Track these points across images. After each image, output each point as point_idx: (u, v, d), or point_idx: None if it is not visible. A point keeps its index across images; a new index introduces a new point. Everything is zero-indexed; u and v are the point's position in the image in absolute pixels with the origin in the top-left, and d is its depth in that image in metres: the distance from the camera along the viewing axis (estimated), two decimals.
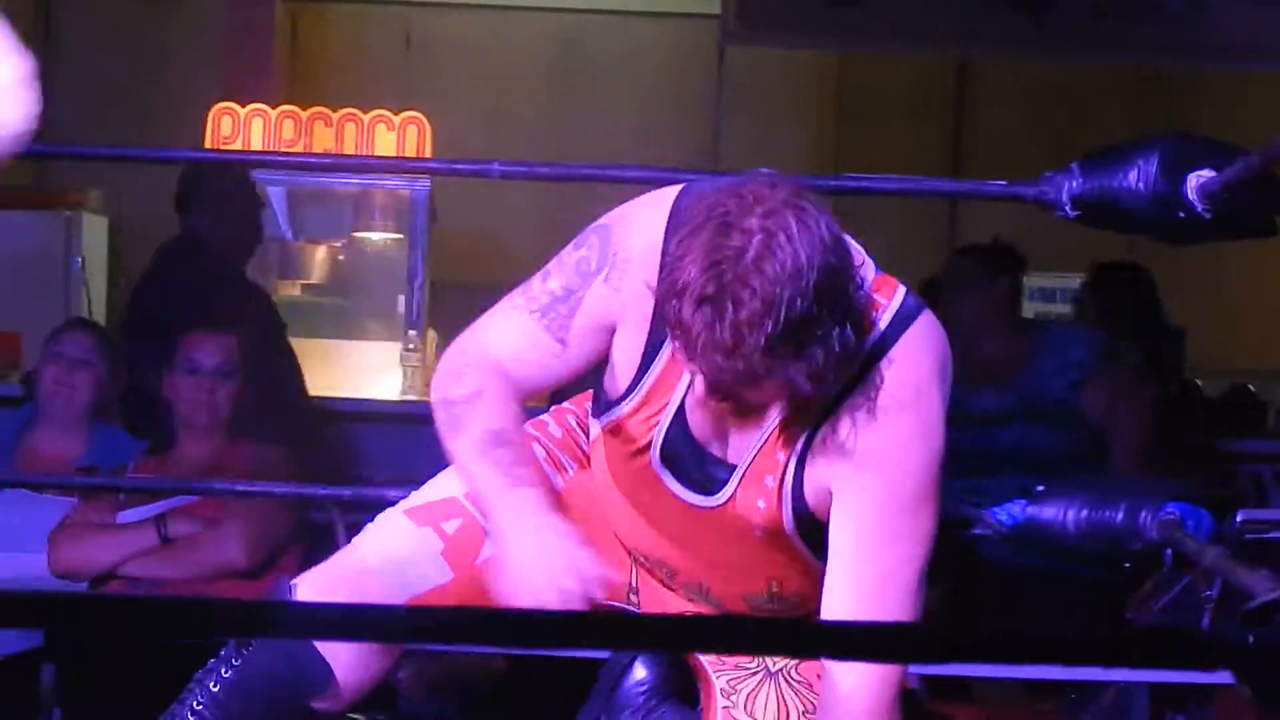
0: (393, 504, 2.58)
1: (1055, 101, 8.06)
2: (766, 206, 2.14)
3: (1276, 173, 2.99)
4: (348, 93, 7.55)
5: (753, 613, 2.49)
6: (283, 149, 6.55)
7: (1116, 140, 2.99)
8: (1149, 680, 3.27)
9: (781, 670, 2.55)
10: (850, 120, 8.50)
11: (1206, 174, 2.95)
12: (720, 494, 2.41)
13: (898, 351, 2.29)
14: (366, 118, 7.15)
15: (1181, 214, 2.94)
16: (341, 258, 7.30)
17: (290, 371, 4.94)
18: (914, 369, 2.31)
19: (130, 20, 7.71)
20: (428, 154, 6.98)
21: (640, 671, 3.26)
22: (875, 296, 2.32)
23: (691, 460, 2.39)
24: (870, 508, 2.32)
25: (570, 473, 2.59)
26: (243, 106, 7.12)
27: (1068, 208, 2.90)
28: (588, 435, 2.58)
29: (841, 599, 2.34)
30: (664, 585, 2.56)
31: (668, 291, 2.16)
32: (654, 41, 8.60)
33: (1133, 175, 2.95)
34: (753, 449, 2.34)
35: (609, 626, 1.96)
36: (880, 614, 2.31)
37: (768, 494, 2.38)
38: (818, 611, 2.43)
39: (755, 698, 2.54)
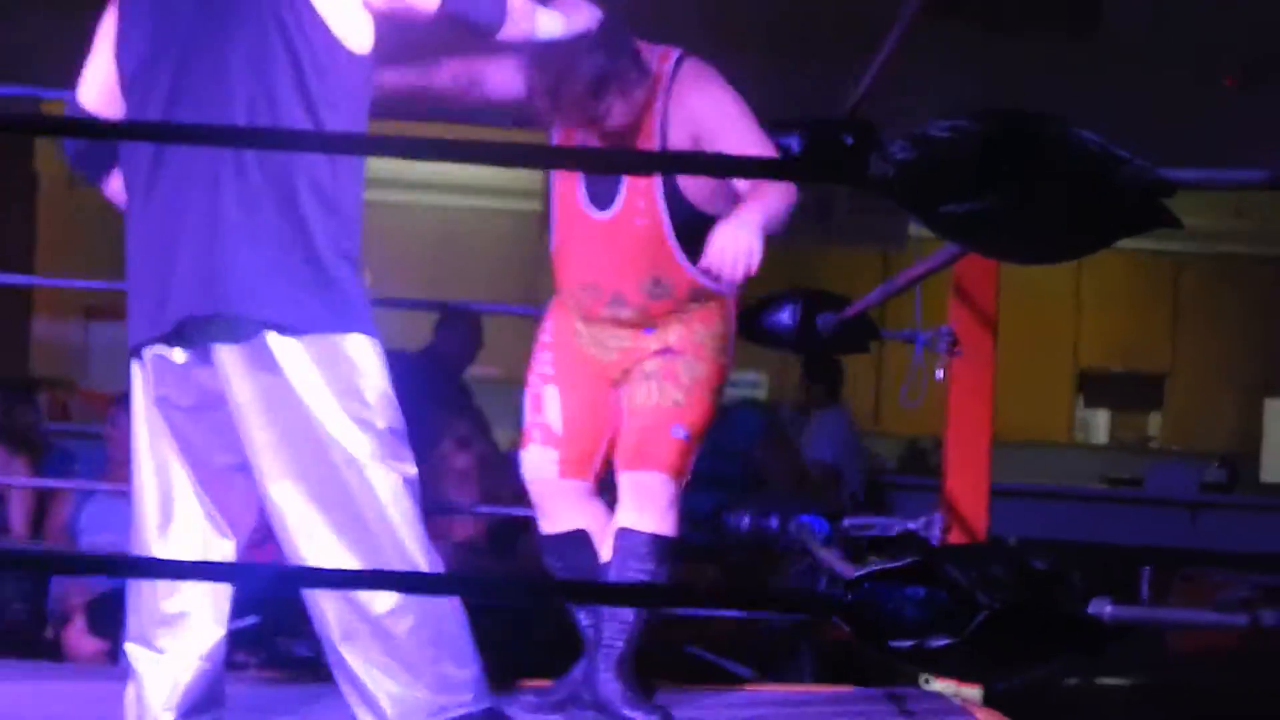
0: None
1: None
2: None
3: (870, 315, 4.12)
4: None
5: (648, 299, 3.40)
6: None
7: (771, 292, 4.08)
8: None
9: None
10: None
11: (829, 315, 3.99)
12: (614, 205, 3.30)
13: (689, 61, 3.33)
14: None
15: (814, 340, 4.02)
16: None
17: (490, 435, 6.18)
18: (702, 63, 3.33)
19: None
20: None
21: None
22: (660, 50, 3.37)
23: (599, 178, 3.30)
24: (733, 129, 3.25)
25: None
26: None
27: (743, 335, 3.89)
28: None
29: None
30: (594, 324, 3.41)
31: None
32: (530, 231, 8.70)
33: (785, 314, 3.99)
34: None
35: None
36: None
37: (648, 200, 3.28)
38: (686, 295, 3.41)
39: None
